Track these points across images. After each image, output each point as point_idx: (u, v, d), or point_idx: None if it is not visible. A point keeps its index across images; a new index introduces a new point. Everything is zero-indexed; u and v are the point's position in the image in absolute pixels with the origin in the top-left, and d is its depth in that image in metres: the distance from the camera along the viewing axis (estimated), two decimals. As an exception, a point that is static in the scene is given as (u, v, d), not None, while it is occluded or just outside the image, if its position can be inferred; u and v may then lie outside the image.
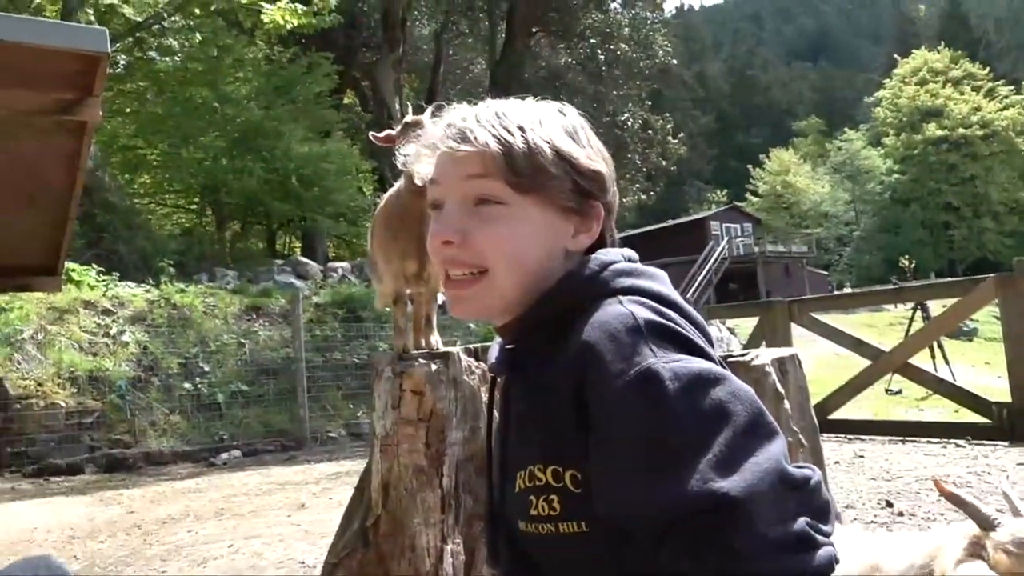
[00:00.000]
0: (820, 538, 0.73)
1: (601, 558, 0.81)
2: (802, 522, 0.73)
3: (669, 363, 0.76)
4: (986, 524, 1.31)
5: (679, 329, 0.82)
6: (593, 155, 0.95)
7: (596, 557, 0.81)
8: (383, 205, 2.57)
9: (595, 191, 0.94)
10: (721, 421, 0.74)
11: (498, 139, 0.89)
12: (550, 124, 0.93)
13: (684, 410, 0.74)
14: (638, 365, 0.76)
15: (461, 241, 0.90)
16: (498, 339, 1.07)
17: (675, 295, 0.90)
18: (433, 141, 0.95)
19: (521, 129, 0.90)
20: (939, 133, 54.31)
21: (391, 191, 2.57)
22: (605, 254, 0.93)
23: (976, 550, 1.28)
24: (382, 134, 2.43)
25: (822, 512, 0.76)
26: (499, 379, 1.07)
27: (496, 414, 1.07)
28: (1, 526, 4.83)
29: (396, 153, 2.18)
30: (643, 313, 0.82)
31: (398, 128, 2.37)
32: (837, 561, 0.73)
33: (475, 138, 0.89)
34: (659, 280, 0.92)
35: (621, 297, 0.86)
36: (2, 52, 3.09)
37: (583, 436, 0.80)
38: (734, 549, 0.69)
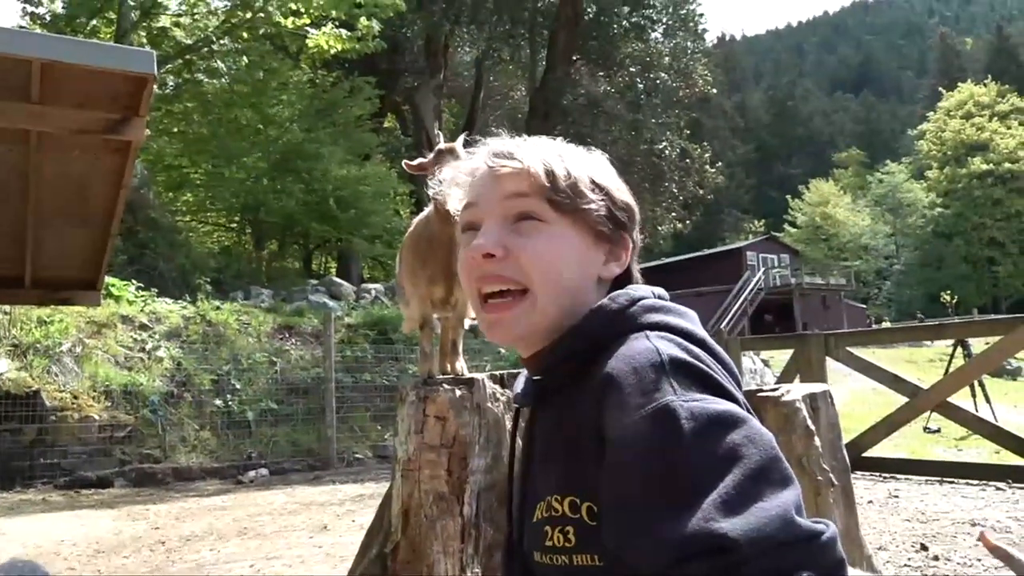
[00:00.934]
0: None
1: None
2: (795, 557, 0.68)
3: (688, 402, 0.75)
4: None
5: (703, 367, 0.81)
6: (624, 190, 1.00)
7: None
8: (412, 230, 2.59)
9: (627, 223, 0.98)
10: (733, 463, 0.72)
11: (542, 160, 0.93)
12: (585, 157, 0.99)
13: (696, 450, 0.72)
14: (656, 401, 0.76)
15: (504, 255, 0.91)
16: (524, 371, 1.08)
17: (703, 333, 0.89)
18: (471, 167, 0.98)
19: (560, 156, 0.95)
20: (984, 167, 53.40)
21: (420, 217, 2.58)
22: (635, 289, 0.94)
23: None
24: (415, 163, 2.44)
25: (834, 570, 0.71)
26: (523, 410, 1.07)
27: (519, 444, 1.07)
28: (31, 538, 4.89)
29: (428, 181, 2.20)
30: (668, 349, 0.81)
31: (431, 156, 2.37)
32: None
33: (520, 157, 0.93)
34: (687, 318, 0.91)
35: (648, 332, 0.86)
36: (57, 72, 3.19)
37: (596, 471, 0.80)
38: None
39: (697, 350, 0.84)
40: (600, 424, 0.80)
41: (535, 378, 0.97)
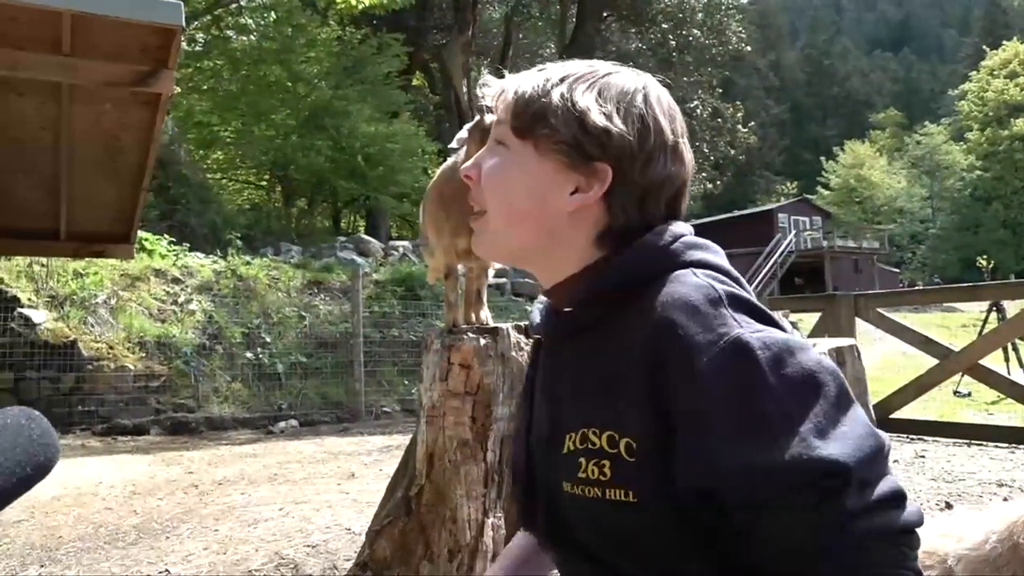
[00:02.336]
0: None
1: (644, 530, 0.81)
2: (892, 479, 0.76)
3: (756, 332, 0.77)
4: None
5: (755, 301, 0.84)
6: (615, 116, 0.90)
7: (638, 528, 0.81)
8: (436, 180, 2.59)
9: (595, 152, 0.89)
10: (814, 389, 0.75)
11: (518, 85, 0.94)
12: (593, 79, 0.93)
13: (778, 379, 0.75)
14: (726, 336, 0.77)
15: (476, 176, 0.97)
16: (539, 301, 1.09)
17: (736, 273, 0.91)
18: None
19: (547, 80, 0.93)
20: (1027, 129, 51.86)
21: (444, 166, 2.58)
22: (677, 226, 0.92)
23: None
24: (455, 142, 2.38)
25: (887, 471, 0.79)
26: (546, 341, 1.04)
27: (539, 375, 1.05)
28: (70, 480, 5.05)
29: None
30: (720, 285, 0.83)
31: (467, 128, 2.32)
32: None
33: (504, 82, 0.97)
34: (722, 256, 0.92)
35: (694, 269, 0.86)
36: (85, 24, 3.21)
37: (649, 408, 0.80)
38: (848, 510, 0.71)
39: (740, 287, 0.87)
40: (658, 364, 0.79)
41: (566, 309, 0.95)
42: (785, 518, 0.73)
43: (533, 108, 0.91)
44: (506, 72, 1.02)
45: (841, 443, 0.72)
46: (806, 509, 0.72)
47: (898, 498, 0.75)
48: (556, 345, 0.99)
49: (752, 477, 0.73)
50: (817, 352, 0.79)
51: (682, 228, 0.93)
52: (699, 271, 0.85)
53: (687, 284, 0.83)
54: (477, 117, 2.30)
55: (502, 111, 0.95)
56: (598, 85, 0.92)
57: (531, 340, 1.24)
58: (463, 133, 2.36)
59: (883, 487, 0.74)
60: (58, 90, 3.69)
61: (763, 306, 0.84)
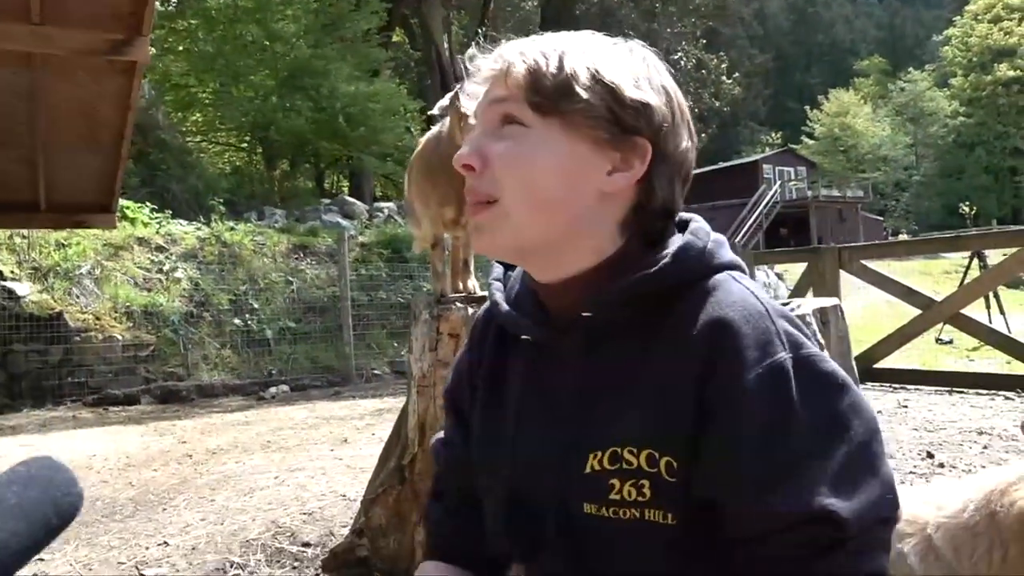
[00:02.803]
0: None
1: (671, 552, 0.78)
2: (883, 560, 0.74)
3: (799, 358, 0.76)
4: None
5: (788, 313, 0.81)
6: (645, 87, 0.84)
7: (673, 551, 0.78)
8: (421, 150, 2.57)
9: (640, 125, 0.83)
10: (841, 433, 0.74)
11: (525, 59, 0.83)
12: (601, 51, 0.85)
13: (808, 417, 0.74)
14: (773, 356, 0.75)
15: (482, 166, 0.84)
16: (497, 286, 0.98)
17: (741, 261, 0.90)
18: (474, 69, 0.91)
19: (561, 53, 0.83)
20: (1011, 74, 51.70)
21: (430, 135, 2.56)
22: (699, 220, 0.90)
23: None
24: (437, 109, 2.33)
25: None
26: (540, 345, 0.91)
27: (523, 383, 0.93)
28: (64, 453, 5.07)
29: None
30: (762, 295, 0.81)
31: (450, 95, 2.26)
32: None
33: (506, 54, 0.85)
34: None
35: (732, 274, 0.84)
36: (56, -9, 3.13)
37: (692, 423, 0.77)
38: (824, 570, 0.71)
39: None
40: (707, 375, 0.77)
41: (584, 313, 0.84)
42: (778, 554, 0.73)
43: (557, 82, 0.81)
44: (500, 41, 0.91)
45: (850, 498, 0.72)
46: (799, 555, 0.72)
47: None
48: (558, 351, 0.88)
49: (759, 508, 0.73)
50: (856, 392, 0.77)
51: (703, 223, 0.90)
52: (737, 276, 0.84)
53: (733, 295, 0.80)
54: (459, 85, 2.28)
55: (510, 86, 0.84)
56: (616, 56, 0.86)
57: (484, 329, 1.03)
58: (444, 101, 2.34)
59: (879, 562, 0.73)
60: (31, 59, 3.62)
61: (793, 317, 0.81)
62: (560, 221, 0.83)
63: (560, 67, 0.82)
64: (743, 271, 0.87)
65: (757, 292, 0.82)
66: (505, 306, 0.93)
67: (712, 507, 0.76)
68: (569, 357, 0.87)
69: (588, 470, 0.81)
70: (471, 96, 0.92)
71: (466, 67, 0.93)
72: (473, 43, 0.96)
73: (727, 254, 0.87)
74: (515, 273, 0.98)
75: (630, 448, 0.79)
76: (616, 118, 0.82)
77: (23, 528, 0.52)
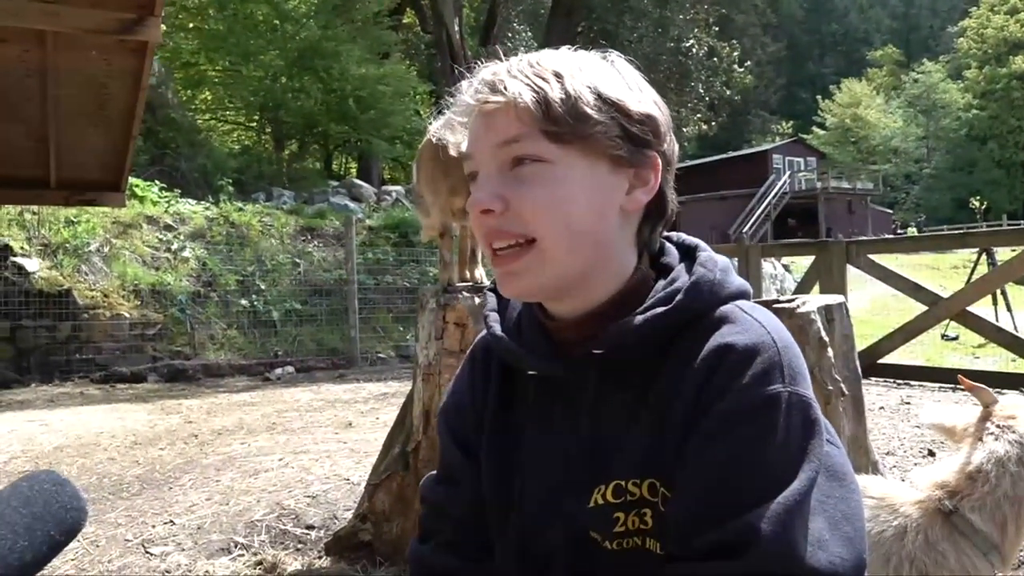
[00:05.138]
0: None
1: None
2: None
3: (797, 395, 0.76)
4: (990, 399, 1.63)
5: (796, 348, 0.81)
6: (644, 99, 0.85)
7: None
8: (430, 140, 2.57)
9: (649, 138, 0.83)
10: (812, 478, 0.74)
11: (532, 87, 0.79)
12: (592, 68, 0.83)
13: (783, 445, 0.74)
14: (768, 386, 0.75)
15: (502, 209, 0.80)
16: (493, 317, 0.95)
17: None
18: (463, 105, 0.85)
19: (558, 75, 0.80)
20: (1026, 67, 51.33)
21: (438, 123, 2.56)
22: (706, 250, 0.89)
23: (988, 419, 1.59)
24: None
25: None
26: (544, 380, 0.89)
27: (529, 417, 0.92)
28: (72, 429, 5.13)
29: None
30: (769, 322, 0.81)
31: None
32: None
33: (505, 88, 0.79)
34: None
35: (739, 304, 0.84)
36: (66, -30, 3.14)
37: (680, 441, 0.77)
38: None
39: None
40: (701, 396, 0.77)
41: (595, 351, 0.82)
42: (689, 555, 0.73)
43: (567, 107, 0.79)
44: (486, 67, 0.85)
45: (825, 553, 0.72)
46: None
47: None
48: (568, 387, 0.87)
49: (711, 523, 0.72)
50: (849, 469, 0.81)
51: (710, 251, 0.89)
52: (743, 306, 0.83)
53: (739, 324, 0.80)
54: (433, 128, 2.26)
55: (521, 121, 0.80)
56: (605, 70, 0.85)
57: (483, 362, 1.00)
58: (435, 118, 2.35)
59: None
60: (42, 37, 3.63)
61: (798, 352, 0.81)
62: (593, 250, 0.83)
63: (565, 91, 0.79)
64: (749, 297, 0.86)
65: (764, 321, 0.81)
66: (506, 338, 0.91)
67: (669, 525, 0.76)
68: (579, 393, 0.86)
69: (592, 504, 0.82)
70: (453, 133, 0.89)
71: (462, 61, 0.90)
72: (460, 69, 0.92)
73: (735, 280, 0.86)
74: (513, 303, 0.96)
75: (633, 480, 0.80)
76: (628, 134, 0.82)
77: (24, 544, 0.52)
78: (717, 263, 0.87)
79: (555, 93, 0.79)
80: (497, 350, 0.93)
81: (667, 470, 0.78)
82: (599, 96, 0.81)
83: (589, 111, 0.79)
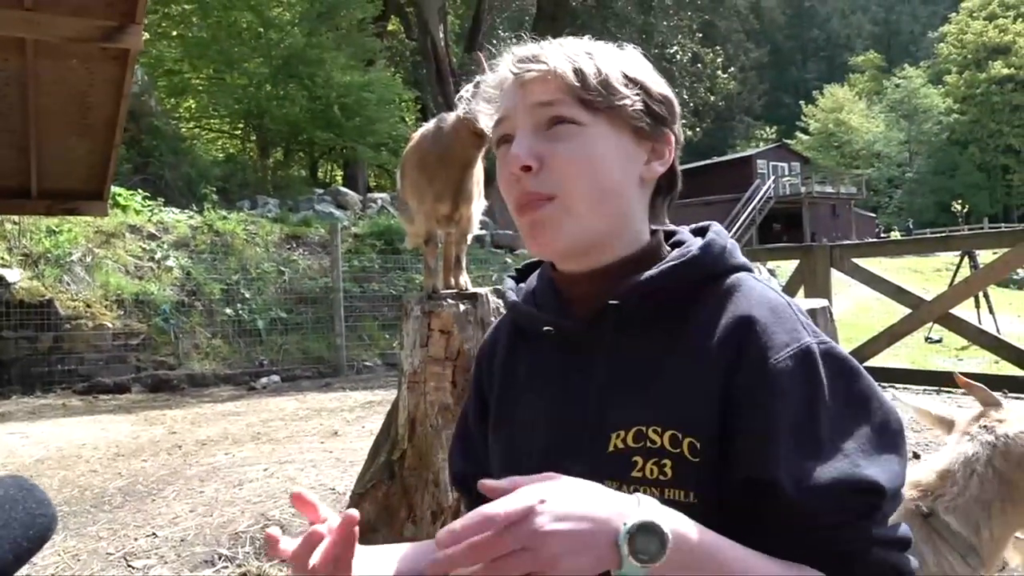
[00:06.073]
0: None
1: None
2: (906, 526, 0.82)
3: (822, 344, 0.83)
4: (992, 401, 1.61)
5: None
6: (661, 82, 0.95)
7: None
8: (416, 145, 2.56)
9: (666, 116, 0.93)
10: (865, 413, 0.81)
11: (570, 59, 0.88)
12: (615, 53, 0.94)
13: (834, 392, 0.80)
14: (799, 341, 0.82)
15: (539, 166, 0.87)
16: (510, 282, 1.06)
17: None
18: (497, 79, 0.94)
19: (590, 54, 0.90)
20: (1005, 72, 51.93)
21: (424, 129, 2.55)
22: (717, 226, 0.96)
23: (983, 421, 1.57)
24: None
25: None
26: (558, 332, 0.94)
27: (540, 368, 0.97)
28: (53, 441, 5.07)
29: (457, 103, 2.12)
30: (780, 292, 0.89)
31: (472, 85, 2.21)
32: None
33: (546, 59, 0.88)
34: None
35: (751, 275, 0.91)
36: (47, -22, 3.11)
37: (719, 406, 0.82)
38: (873, 535, 0.78)
39: None
40: (736, 360, 0.82)
41: (611, 302, 0.88)
42: (820, 523, 0.77)
43: (600, 80, 0.88)
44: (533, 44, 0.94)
45: (881, 468, 0.78)
46: (841, 521, 0.77)
47: (907, 544, 0.81)
48: (584, 342, 0.92)
49: (802, 483, 0.77)
50: (869, 377, 0.84)
51: (722, 228, 0.98)
52: (758, 276, 0.91)
53: (757, 289, 0.88)
54: (478, 77, 2.25)
55: (559, 87, 0.87)
56: (628, 57, 0.94)
57: (500, 320, 1.08)
58: (466, 92, 2.32)
59: (903, 530, 0.81)
60: (22, 45, 3.60)
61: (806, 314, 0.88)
62: (615, 210, 0.91)
63: (598, 67, 0.88)
64: (749, 270, 0.94)
65: (776, 289, 0.89)
66: (520, 303, 1.00)
67: (752, 488, 0.79)
68: (595, 346, 0.90)
69: (612, 449, 0.85)
70: (487, 104, 0.97)
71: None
72: (482, 53, 1.01)
73: (742, 258, 0.94)
74: (528, 280, 1.05)
75: (655, 428, 0.83)
76: (649, 110, 0.91)
77: None
78: (727, 235, 0.95)
79: (590, 67, 0.88)
80: (514, 315, 1.03)
81: (691, 425, 0.82)
82: (625, 75, 0.90)
83: (618, 86, 0.89)
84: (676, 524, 0.70)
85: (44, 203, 5.34)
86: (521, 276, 1.08)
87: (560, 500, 0.68)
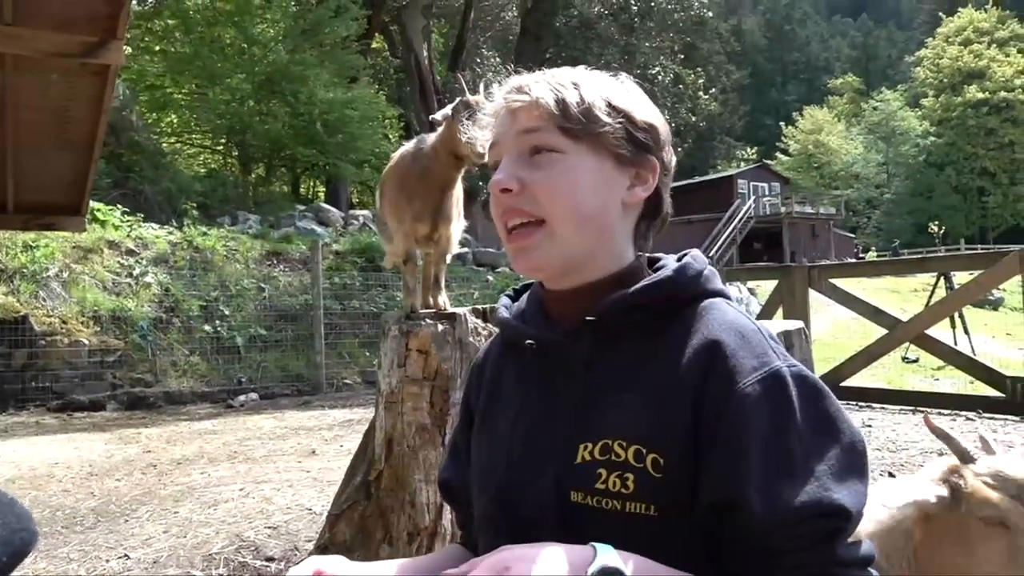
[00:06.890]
0: None
1: (655, 541, 0.82)
2: (869, 543, 0.83)
3: (791, 368, 0.84)
4: (965, 457, 1.46)
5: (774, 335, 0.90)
6: (649, 112, 0.98)
7: (650, 540, 0.82)
8: (396, 165, 2.57)
9: (650, 143, 0.96)
10: (833, 436, 0.82)
11: (553, 90, 0.93)
12: (605, 82, 0.97)
13: (805, 419, 0.82)
14: (768, 365, 0.83)
15: (519, 189, 0.92)
16: (505, 299, 1.10)
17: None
18: (493, 107, 0.99)
19: (576, 84, 0.94)
20: (980, 96, 52.89)
21: (403, 150, 2.56)
22: (696, 255, 0.99)
23: (951, 476, 1.43)
24: (439, 115, 2.37)
25: None
26: (540, 346, 0.98)
27: (520, 379, 1.01)
28: (25, 460, 4.99)
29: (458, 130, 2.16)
30: (752, 319, 0.91)
31: (451, 107, 2.31)
32: None
33: (530, 90, 0.93)
34: None
35: (724, 300, 0.93)
36: (33, -5, 3.10)
37: (685, 425, 0.83)
38: (838, 556, 0.79)
39: None
40: (703, 381, 0.84)
41: (588, 318, 0.92)
42: (787, 545, 0.78)
43: (582, 109, 0.92)
44: (518, 77, 0.99)
45: (848, 492, 0.79)
46: (807, 543, 0.78)
47: (871, 561, 0.82)
48: (563, 355, 0.96)
49: (771, 503, 0.78)
50: (837, 401, 0.86)
51: (701, 254, 1.00)
52: (729, 303, 0.93)
53: (729, 314, 0.90)
54: (459, 98, 2.28)
55: (541, 116, 0.92)
56: (616, 86, 0.97)
57: (491, 334, 1.15)
58: (447, 110, 2.34)
59: (865, 547, 0.82)
60: (2, 60, 3.58)
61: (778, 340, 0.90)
62: (597, 234, 0.94)
63: (581, 97, 0.92)
64: (727, 297, 0.96)
65: (749, 316, 0.91)
66: (509, 319, 1.04)
67: (720, 506, 0.81)
68: (573, 360, 0.95)
69: (579, 460, 0.88)
70: (482, 131, 1.02)
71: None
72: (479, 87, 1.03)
73: (719, 284, 0.96)
74: (521, 299, 1.09)
75: (620, 442, 0.85)
76: (632, 138, 0.94)
77: None
78: (705, 261, 0.98)
79: (572, 97, 0.92)
80: (501, 331, 1.08)
81: (657, 442, 0.84)
82: (609, 104, 0.94)
83: (600, 114, 0.92)
84: (634, 567, 0.75)
85: (21, 218, 5.28)
86: (516, 295, 1.12)
87: (524, 564, 0.72)
